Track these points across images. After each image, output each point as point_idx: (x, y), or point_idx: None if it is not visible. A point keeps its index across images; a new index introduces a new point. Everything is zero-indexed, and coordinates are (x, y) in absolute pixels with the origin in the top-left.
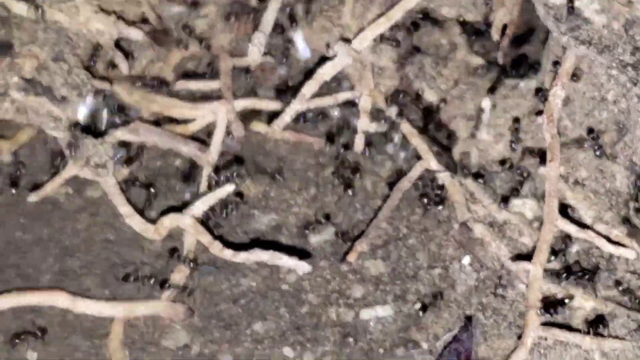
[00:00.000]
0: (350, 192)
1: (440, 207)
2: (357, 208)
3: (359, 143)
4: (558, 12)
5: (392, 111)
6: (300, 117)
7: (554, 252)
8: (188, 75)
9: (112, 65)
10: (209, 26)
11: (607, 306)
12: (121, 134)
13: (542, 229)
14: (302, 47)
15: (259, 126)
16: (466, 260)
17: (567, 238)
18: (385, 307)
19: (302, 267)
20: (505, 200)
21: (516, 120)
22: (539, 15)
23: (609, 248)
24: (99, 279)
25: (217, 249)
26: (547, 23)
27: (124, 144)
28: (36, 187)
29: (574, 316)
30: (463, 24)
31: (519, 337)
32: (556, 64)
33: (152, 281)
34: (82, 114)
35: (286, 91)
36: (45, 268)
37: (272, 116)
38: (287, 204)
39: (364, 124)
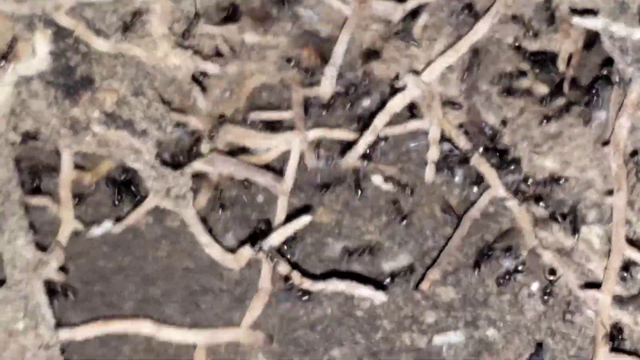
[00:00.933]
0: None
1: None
2: (428, 235)
3: (429, 173)
4: (624, 44)
5: (461, 140)
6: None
7: (622, 278)
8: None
9: (188, 98)
10: (280, 57)
11: None
12: (199, 165)
13: (610, 258)
14: None
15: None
16: (535, 286)
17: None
18: (457, 332)
19: (379, 297)
20: (575, 230)
21: None
22: (603, 46)
23: None
24: (179, 306)
25: (296, 278)
26: (612, 54)
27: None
28: (118, 218)
29: None
30: (528, 54)
31: None
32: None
33: None
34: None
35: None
36: (127, 295)
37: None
38: (359, 232)
39: (434, 154)
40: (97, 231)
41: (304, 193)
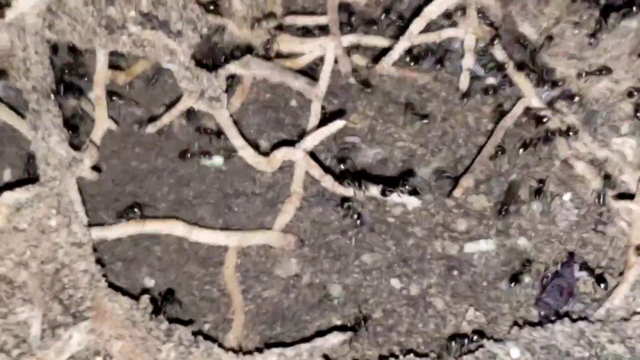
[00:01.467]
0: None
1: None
2: (461, 144)
3: (464, 81)
4: None
5: (496, 49)
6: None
7: None
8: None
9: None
10: None
11: None
12: (234, 68)
13: None
14: None
15: (365, 61)
16: (567, 196)
17: None
18: (488, 241)
19: (412, 202)
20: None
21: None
22: None
23: None
24: (212, 209)
25: (328, 183)
26: None
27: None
28: (152, 118)
29: None
30: None
31: (621, 273)
32: None
33: None
34: None
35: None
36: (160, 197)
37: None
38: (392, 138)
39: (469, 62)
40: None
41: (337, 99)
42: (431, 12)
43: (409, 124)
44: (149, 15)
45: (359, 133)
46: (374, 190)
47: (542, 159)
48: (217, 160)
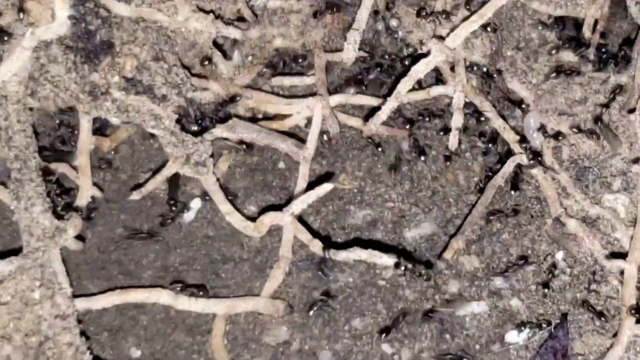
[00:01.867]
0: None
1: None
2: (451, 203)
3: (453, 140)
4: None
5: (485, 106)
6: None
7: None
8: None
9: (209, 62)
10: (302, 21)
11: None
12: (220, 132)
13: (636, 227)
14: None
15: (353, 121)
16: (560, 255)
17: None
18: (480, 303)
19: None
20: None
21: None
22: (629, 12)
23: None
24: (199, 275)
25: (316, 247)
26: (638, 20)
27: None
28: (137, 185)
29: None
30: (553, 19)
31: (615, 334)
32: None
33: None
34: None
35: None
36: (146, 264)
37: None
38: (382, 199)
39: (458, 121)
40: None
41: (326, 160)
42: (419, 71)
43: (399, 184)
44: (133, 80)
45: (347, 195)
46: (363, 254)
47: (534, 217)
48: (195, 203)
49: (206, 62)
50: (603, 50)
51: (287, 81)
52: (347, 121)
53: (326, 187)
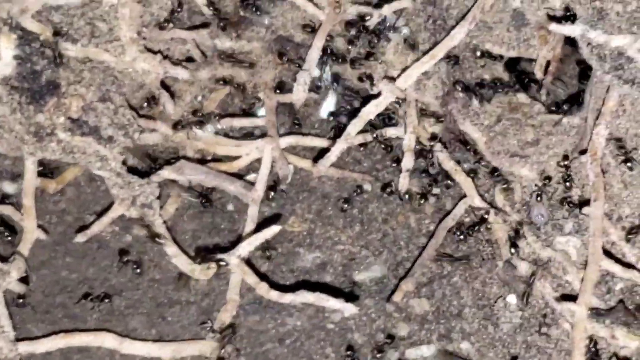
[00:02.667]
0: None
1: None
2: (402, 246)
3: (403, 182)
4: (602, 51)
5: (436, 148)
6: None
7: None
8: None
9: (156, 103)
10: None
11: None
12: (167, 173)
13: (586, 270)
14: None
15: (304, 163)
16: (511, 298)
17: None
18: (430, 346)
19: (349, 309)
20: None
21: (565, 157)
22: (581, 54)
23: None
24: (145, 319)
25: (263, 290)
26: (590, 62)
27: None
28: (83, 227)
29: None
30: (506, 61)
31: None
32: None
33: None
34: None
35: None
36: (91, 307)
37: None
38: (331, 242)
39: (408, 162)
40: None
41: (275, 202)
42: (369, 112)
43: (349, 226)
44: (79, 121)
45: (297, 237)
46: (311, 297)
47: (485, 259)
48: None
49: (149, 104)
50: (555, 91)
51: (237, 122)
52: (297, 163)
53: (274, 229)
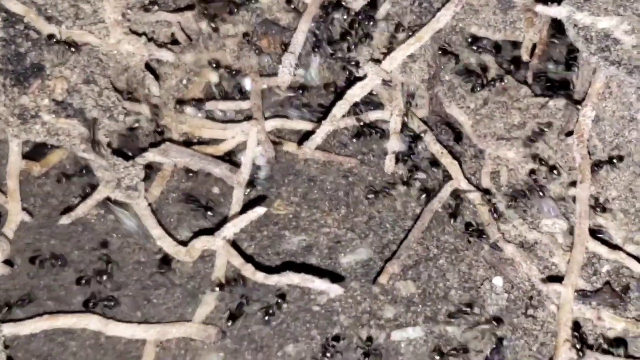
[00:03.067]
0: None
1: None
2: (388, 228)
3: (389, 164)
4: (588, 32)
5: (422, 131)
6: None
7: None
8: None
9: (142, 86)
10: (237, 45)
11: (638, 327)
12: (152, 156)
13: (572, 251)
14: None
15: (289, 146)
16: (497, 280)
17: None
18: (416, 328)
19: (334, 290)
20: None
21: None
22: (568, 35)
23: (639, 269)
24: (130, 301)
25: (249, 272)
26: (577, 43)
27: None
28: (68, 209)
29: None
30: (492, 43)
31: (551, 358)
32: None
33: None
34: None
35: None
36: (76, 290)
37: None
38: (317, 224)
39: (394, 145)
40: None
41: (260, 185)
42: (354, 95)
43: (335, 209)
44: (64, 103)
45: (282, 220)
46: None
47: (471, 242)
48: None
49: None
50: (542, 74)
51: (222, 105)
52: (283, 146)
53: (258, 211)
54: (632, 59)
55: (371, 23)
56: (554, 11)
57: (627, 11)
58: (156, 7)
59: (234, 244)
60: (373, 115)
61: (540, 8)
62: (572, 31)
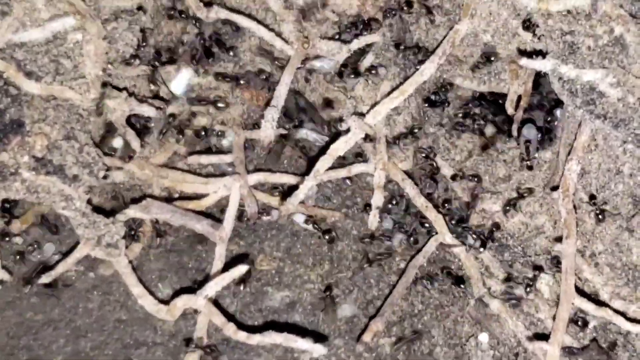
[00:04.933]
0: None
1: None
2: (372, 284)
3: (372, 220)
4: (573, 85)
5: (407, 185)
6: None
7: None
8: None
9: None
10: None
11: None
12: (133, 212)
13: (558, 308)
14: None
15: (272, 200)
16: (483, 337)
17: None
18: None
19: (317, 350)
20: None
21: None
22: (553, 89)
23: (626, 325)
24: None
25: (231, 331)
26: (562, 96)
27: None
28: (47, 267)
29: None
30: (477, 95)
31: None
32: None
33: None
34: None
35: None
36: (56, 349)
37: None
38: (301, 280)
39: (378, 200)
40: None
41: (244, 240)
42: (338, 149)
43: (319, 264)
44: (44, 159)
45: (265, 276)
46: (279, 338)
47: (456, 297)
48: None
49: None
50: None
51: (205, 159)
52: (266, 200)
53: (241, 269)
54: (618, 112)
55: (355, 76)
56: (539, 64)
57: (612, 64)
58: (137, 61)
59: (216, 302)
60: (357, 169)
61: (524, 61)
62: (557, 84)
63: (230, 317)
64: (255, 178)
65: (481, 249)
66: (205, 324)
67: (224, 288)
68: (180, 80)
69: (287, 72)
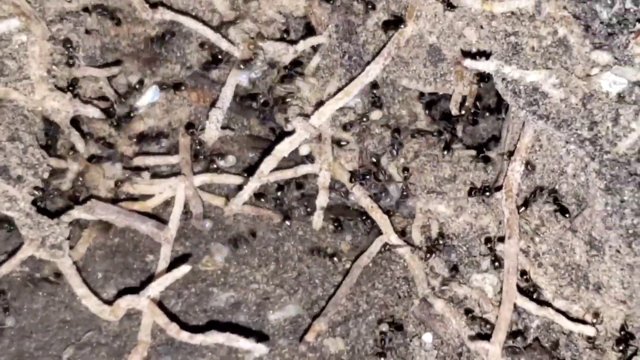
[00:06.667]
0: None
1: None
2: (317, 284)
3: (317, 220)
4: (517, 86)
5: (352, 185)
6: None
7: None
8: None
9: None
10: (167, 99)
11: None
12: (77, 213)
13: (500, 307)
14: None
15: (218, 201)
16: (427, 337)
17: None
18: None
19: (259, 349)
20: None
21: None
22: (497, 89)
23: (568, 325)
24: None
25: (174, 331)
26: (505, 97)
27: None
28: None
29: None
30: (423, 96)
31: None
32: None
33: None
34: None
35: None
36: (1, 350)
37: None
38: (246, 281)
39: (322, 200)
40: None
41: (189, 241)
42: (282, 150)
43: (264, 265)
44: None
45: (210, 276)
46: (221, 338)
47: (401, 297)
48: None
49: None
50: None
51: (150, 161)
52: (211, 201)
53: (183, 269)
54: (561, 113)
55: (300, 77)
56: (482, 65)
57: (555, 64)
58: (79, 63)
59: (160, 303)
60: (302, 170)
61: (468, 62)
62: (501, 85)
63: (174, 318)
64: (201, 179)
65: (427, 255)
66: (149, 324)
67: (168, 288)
68: (146, 98)
69: (233, 74)
